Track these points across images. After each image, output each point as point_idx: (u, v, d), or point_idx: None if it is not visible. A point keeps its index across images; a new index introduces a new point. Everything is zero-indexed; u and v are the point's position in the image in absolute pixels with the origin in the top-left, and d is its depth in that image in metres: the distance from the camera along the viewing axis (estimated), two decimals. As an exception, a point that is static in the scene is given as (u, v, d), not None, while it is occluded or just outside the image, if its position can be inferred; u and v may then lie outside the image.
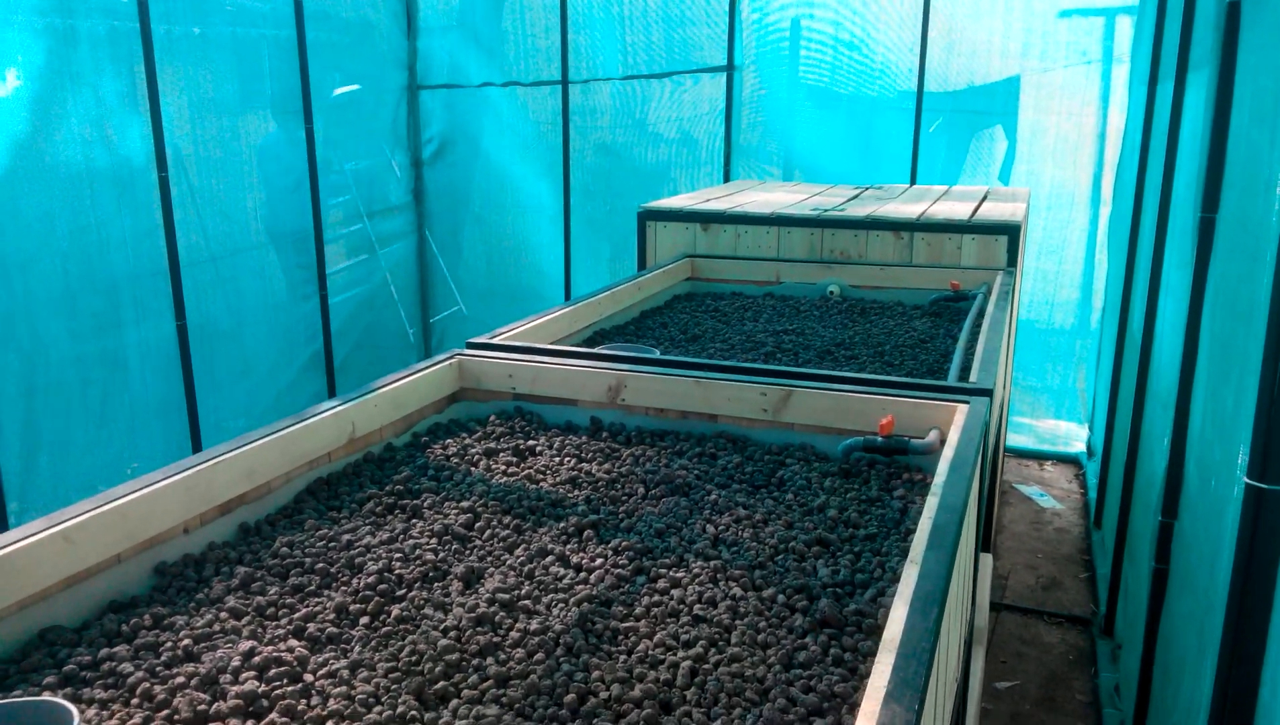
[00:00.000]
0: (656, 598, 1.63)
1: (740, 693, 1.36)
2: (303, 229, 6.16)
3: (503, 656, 1.46)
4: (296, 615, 1.56)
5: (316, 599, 1.62)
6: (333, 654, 1.47)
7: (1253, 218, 1.89)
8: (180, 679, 1.38)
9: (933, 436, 2.11)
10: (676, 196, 4.88)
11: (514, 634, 1.51)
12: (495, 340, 2.74)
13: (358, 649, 1.48)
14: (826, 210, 4.24)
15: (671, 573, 1.71)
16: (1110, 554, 4.09)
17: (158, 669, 1.42)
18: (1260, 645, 1.54)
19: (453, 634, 1.51)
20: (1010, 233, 3.87)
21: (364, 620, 1.56)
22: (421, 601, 1.61)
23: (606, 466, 2.18)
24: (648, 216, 4.39)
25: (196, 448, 5.40)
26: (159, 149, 5.03)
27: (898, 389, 2.25)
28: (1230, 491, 1.91)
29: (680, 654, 1.46)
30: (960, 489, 1.68)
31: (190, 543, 1.79)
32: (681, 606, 1.60)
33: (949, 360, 3.06)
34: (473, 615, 1.55)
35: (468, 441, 2.33)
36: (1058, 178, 6.33)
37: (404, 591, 1.65)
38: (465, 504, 1.96)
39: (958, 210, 4.26)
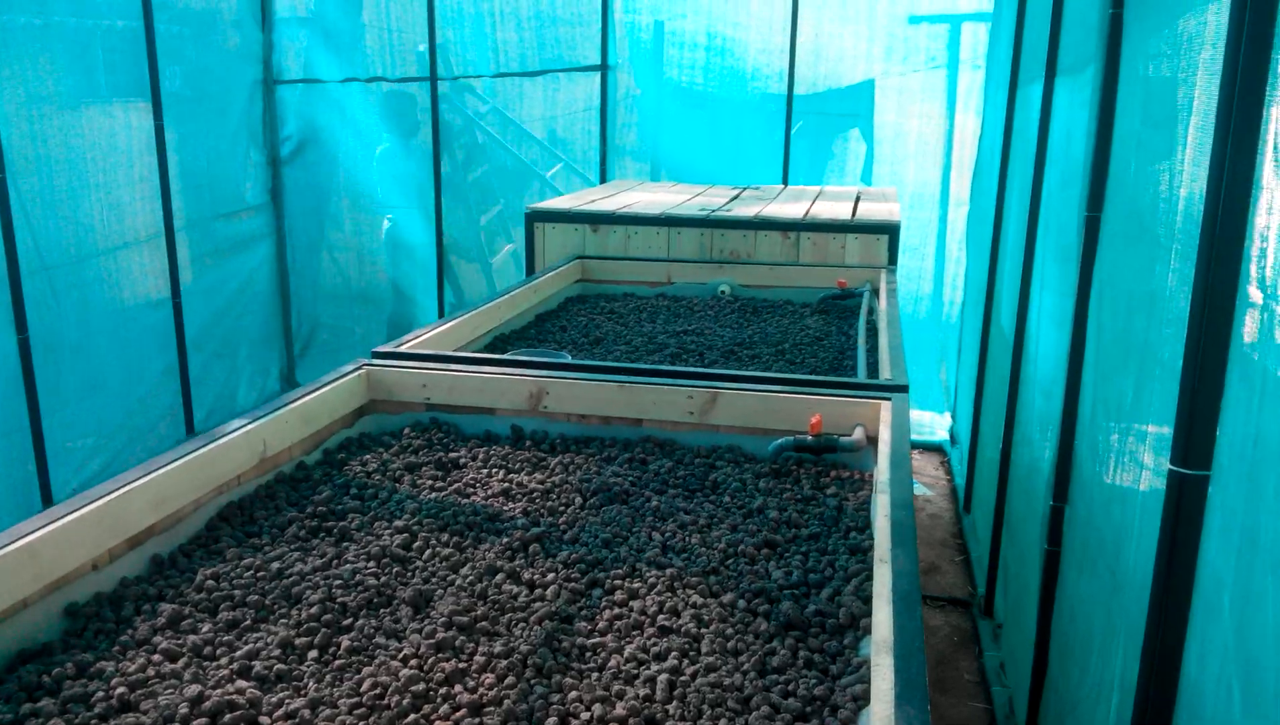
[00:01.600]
0: (617, 610, 1.60)
1: (722, 703, 1.35)
2: (151, 231, 5.78)
3: (471, 683, 1.40)
4: (238, 653, 1.45)
5: (256, 634, 1.52)
6: (286, 693, 1.38)
7: (1152, 215, 2.01)
8: (121, 733, 1.26)
9: (859, 434, 2.16)
10: (560, 197, 4.84)
11: (479, 658, 1.45)
12: (402, 348, 2.64)
13: (313, 686, 1.39)
14: (714, 211, 4.30)
15: (627, 583, 1.68)
16: (985, 537, 4.30)
17: (92, 723, 1.29)
18: (1183, 624, 1.64)
19: (413, 663, 1.44)
20: (891, 232, 4.02)
21: (312, 654, 1.47)
22: (372, 630, 1.53)
23: (538, 476, 2.13)
24: (536, 217, 4.33)
25: (42, 472, 4.99)
26: (-8, 147, 4.61)
27: (820, 388, 2.29)
28: (1135, 476, 2.03)
29: (654, 667, 1.44)
30: (905, 485, 1.73)
31: (101, 580, 1.64)
32: (644, 618, 1.58)
33: (847, 356, 3.15)
34: (432, 642, 1.48)
35: (385, 456, 2.23)
36: (914, 178, 6.62)
37: (350, 620, 1.56)
38: (399, 523, 1.88)
39: (837, 210, 4.39)
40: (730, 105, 6.36)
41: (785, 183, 6.20)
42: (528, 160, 6.75)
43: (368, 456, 2.23)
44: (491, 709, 1.34)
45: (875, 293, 3.79)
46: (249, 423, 2.05)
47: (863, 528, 1.88)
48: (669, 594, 1.65)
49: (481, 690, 1.38)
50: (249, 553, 1.78)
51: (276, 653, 1.46)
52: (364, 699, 1.35)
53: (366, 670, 1.42)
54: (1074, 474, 2.61)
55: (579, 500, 2.01)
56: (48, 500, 5.01)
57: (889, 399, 2.21)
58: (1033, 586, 2.91)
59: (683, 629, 1.54)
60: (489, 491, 2.05)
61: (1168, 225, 1.89)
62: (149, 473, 1.76)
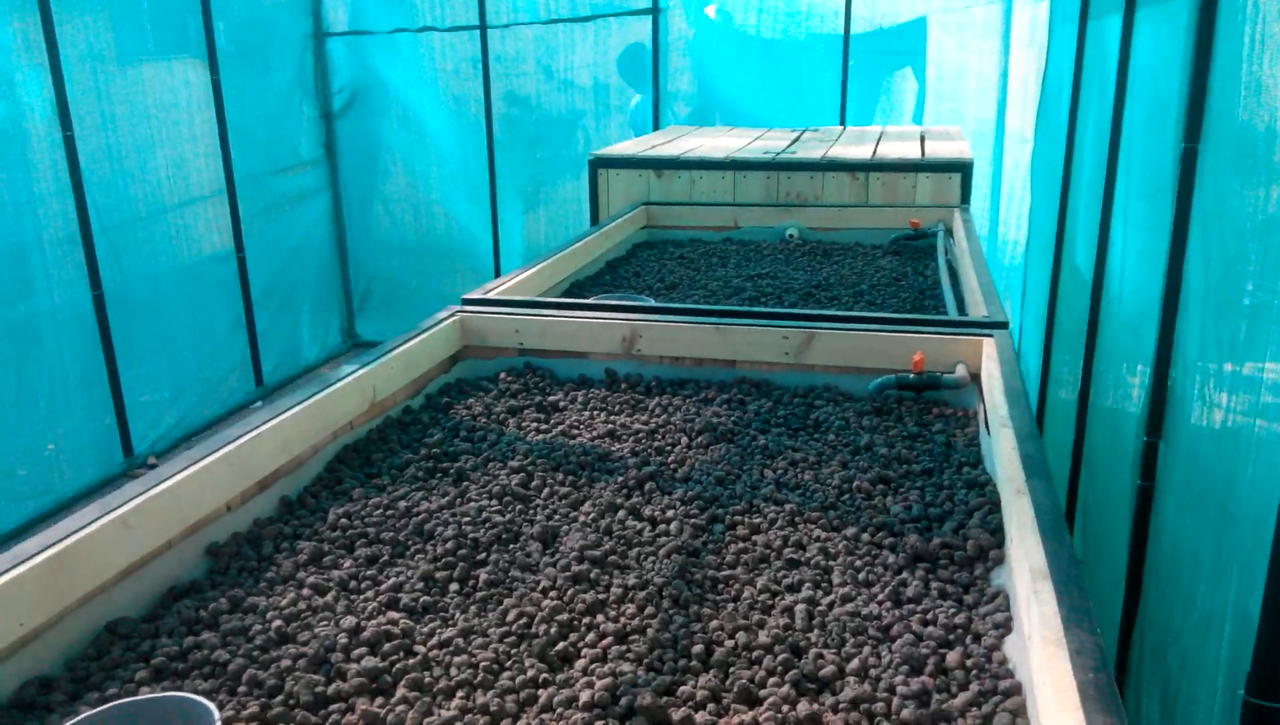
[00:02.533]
0: (741, 544, 1.62)
1: (863, 631, 1.37)
2: (214, 187, 5.84)
3: (611, 613, 1.43)
4: (383, 587, 1.49)
5: (396, 569, 1.56)
6: (436, 623, 1.42)
7: (1268, 144, 1.97)
8: (286, 662, 1.31)
9: (961, 371, 2.15)
10: (620, 143, 4.81)
11: (615, 590, 1.48)
12: (491, 295, 2.66)
13: (460, 616, 1.43)
14: (778, 153, 4.25)
15: (747, 519, 1.70)
16: (1059, 476, 4.28)
17: (255, 654, 1.34)
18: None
19: (553, 594, 1.47)
20: (964, 170, 3.96)
21: (454, 587, 1.51)
22: (506, 564, 1.57)
23: (640, 417, 2.15)
24: (599, 164, 4.31)
25: (122, 426, 5.12)
26: (61, 105, 4.67)
27: (918, 326, 2.28)
28: (1248, 411, 2.01)
29: (789, 597, 1.46)
30: (1027, 418, 1.72)
31: (236, 521, 1.69)
32: (769, 551, 1.60)
33: (927, 296, 3.12)
34: (568, 574, 1.51)
35: (486, 400, 2.26)
36: (971, 115, 6.49)
37: (484, 555, 1.60)
38: (513, 464, 1.91)
39: (905, 150, 4.32)
40: (784, 45, 6.26)
41: (843, 124, 6.11)
42: (580, 108, 6.71)
43: (470, 400, 2.26)
44: (636, 637, 1.37)
45: (949, 232, 3.75)
46: (359, 369, 2.09)
47: (975, 463, 1.88)
48: (790, 528, 1.67)
49: (624, 620, 1.41)
50: (373, 492, 1.82)
51: (420, 585, 1.50)
52: (512, 628, 1.39)
53: (509, 602, 1.46)
54: (1172, 410, 2.58)
55: (684, 440, 2.03)
56: (129, 451, 5.15)
57: (990, 336, 2.19)
58: (1121, 523, 2.90)
59: (811, 561, 1.56)
60: (594, 433, 2.07)
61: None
62: (273, 418, 1.81)
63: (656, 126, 6.24)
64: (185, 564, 1.57)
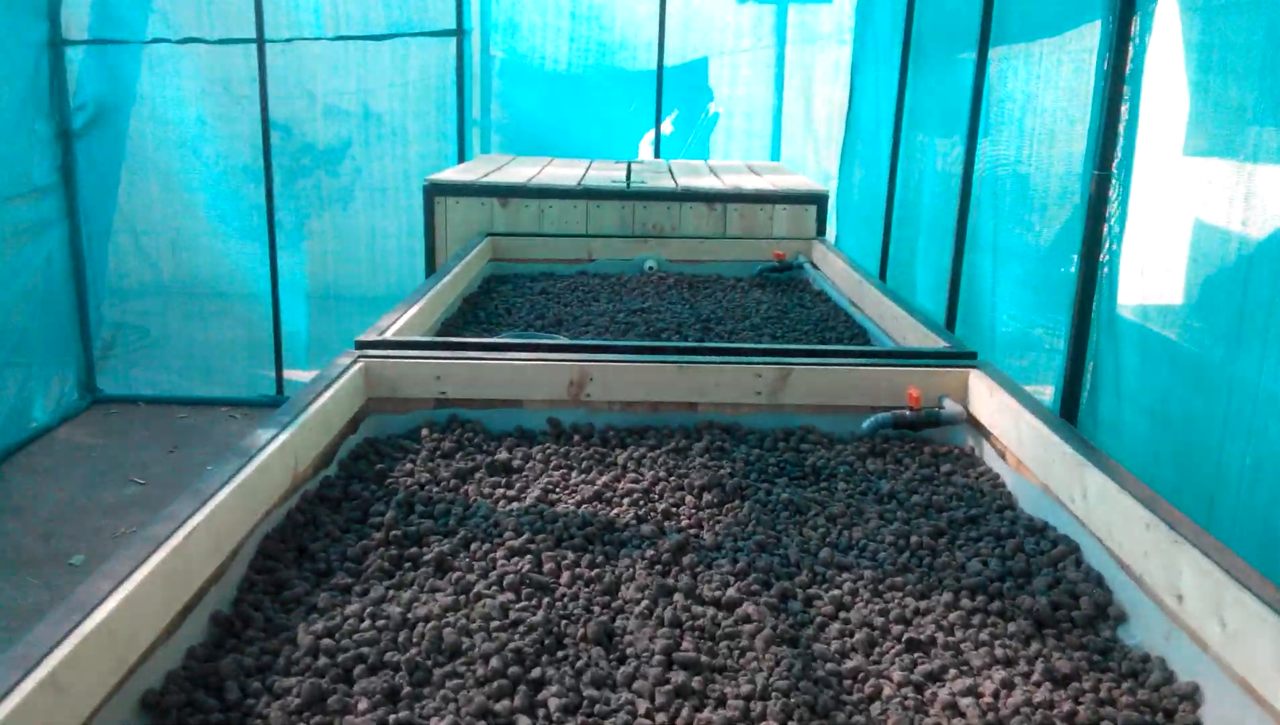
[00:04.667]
0: (838, 626, 1.36)
1: (1051, 723, 1.15)
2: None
3: (745, 735, 1.13)
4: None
5: (431, 704, 1.16)
6: (530, 781, 1.05)
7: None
8: None
9: (953, 405, 2.01)
10: (451, 170, 4.42)
11: (734, 704, 1.17)
12: (388, 336, 2.24)
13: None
14: (630, 183, 4.05)
15: (823, 592, 1.44)
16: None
17: None
18: None
19: (661, 719, 1.14)
20: (819, 202, 3.93)
21: (524, 722, 1.14)
22: (572, 680, 1.21)
23: (619, 475, 1.83)
24: (437, 191, 3.91)
25: None
26: None
27: (895, 360, 2.13)
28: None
29: (941, 690, 1.22)
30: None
31: (168, 657, 1.21)
32: (875, 632, 1.35)
33: (830, 328, 2.99)
34: (666, 689, 1.18)
35: (421, 465, 1.85)
36: (756, 150, 6.64)
37: (539, 672, 1.23)
38: (512, 544, 1.53)
39: (745, 182, 4.26)
40: (592, 77, 6.10)
41: (658, 155, 6.02)
42: (352, 137, 6.21)
43: (401, 466, 1.84)
44: (797, 767, 1.07)
45: (814, 265, 3.70)
46: (276, 432, 1.63)
47: (1012, 505, 1.74)
48: (877, 598, 1.43)
49: (767, 744, 1.11)
50: (339, 596, 1.39)
51: (481, 727, 1.12)
52: (640, 775, 1.05)
53: (607, 736, 1.11)
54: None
55: (689, 499, 1.74)
56: None
57: (974, 366, 2.07)
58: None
59: (935, 639, 1.32)
60: (579, 496, 1.73)
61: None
62: (202, 504, 1.34)
63: (462, 155, 5.85)
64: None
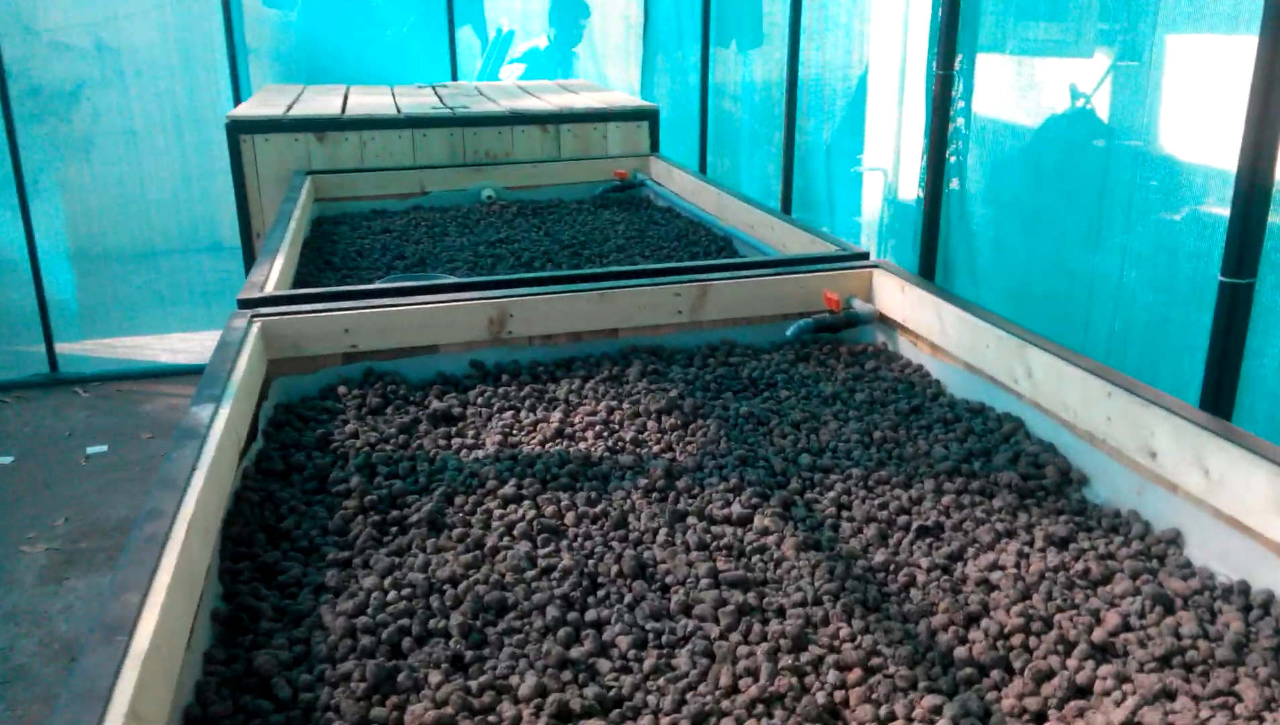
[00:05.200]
0: (847, 525, 1.42)
1: (1073, 585, 1.26)
2: None
3: (825, 641, 1.16)
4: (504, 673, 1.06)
5: (497, 662, 1.11)
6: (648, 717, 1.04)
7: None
8: None
9: (866, 305, 2.11)
10: (244, 104, 4.04)
11: (793, 614, 1.20)
12: (274, 292, 2.06)
13: (685, 696, 1.06)
14: (457, 108, 3.87)
15: (820, 495, 1.49)
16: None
17: None
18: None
19: (737, 640, 1.16)
20: (651, 117, 3.92)
21: (618, 664, 1.12)
22: (640, 619, 1.20)
23: (569, 410, 1.79)
24: (240, 128, 3.57)
25: None
26: None
27: (800, 266, 2.19)
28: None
29: (970, 569, 1.30)
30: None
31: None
32: (882, 524, 1.41)
33: (689, 243, 3.03)
34: (728, 610, 1.20)
35: (357, 425, 1.74)
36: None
37: (598, 612, 1.21)
38: (506, 492, 1.48)
39: (574, 101, 4.17)
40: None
41: (454, 78, 5.77)
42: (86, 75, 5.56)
43: (336, 429, 1.72)
44: (886, 654, 1.12)
45: (654, 181, 3.71)
46: (215, 408, 1.47)
47: (944, 391, 1.86)
48: (870, 494, 1.50)
49: (854, 645, 1.15)
50: (341, 571, 1.29)
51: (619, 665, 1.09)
52: (769, 688, 1.06)
53: (714, 665, 1.11)
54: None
55: (652, 424, 1.74)
56: None
57: (877, 266, 2.17)
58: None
59: (941, 523, 1.40)
60: (541, 436, 1.69)
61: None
62: (183, 494, 1.20)
63: (237, 88, 5.36)
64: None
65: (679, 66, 5.37)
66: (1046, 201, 2.66)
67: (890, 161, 4.58)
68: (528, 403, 1.84)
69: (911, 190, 4.32)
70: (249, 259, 3.71)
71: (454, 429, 1.74)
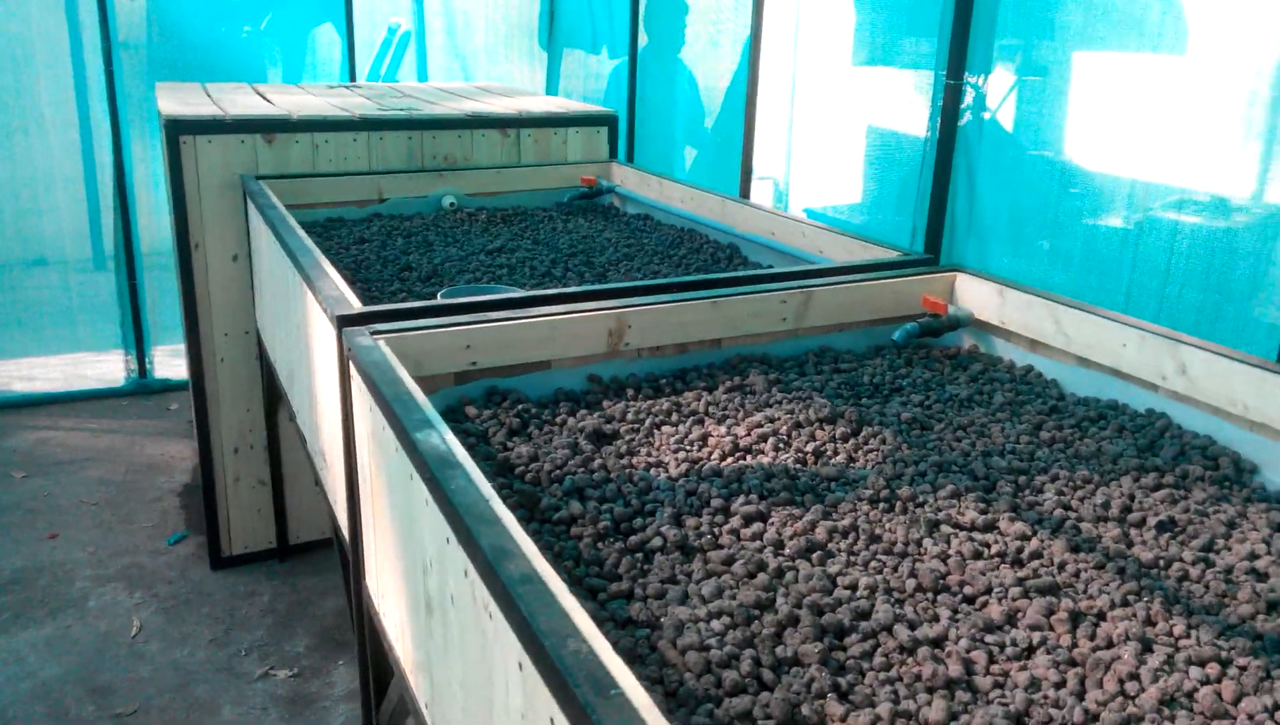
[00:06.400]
0: (1091, 526, 1.44)
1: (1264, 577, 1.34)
2: None
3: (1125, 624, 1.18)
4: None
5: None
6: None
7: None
8: None
9: (963, 308, 2.16)
10: (169, 103, 3.67)
11: (1092, 608, 1.21)
12: (359, 307, 1.88)
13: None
14: (409, 109, 3.66)
15: (1047, 498, 1.51)
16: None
17: None
18: None
19: (1047, 632, 1.16)
20: (610, 123, 3.86)
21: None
22: (963, 629, 1.18)
23: (747, 421, 1.73)
24: (180, 129, 3.24)
25: None
26: None
27: (889, 272, 2.22)
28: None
29: (1231, 558, 1.35)
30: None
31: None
32: (1135, 529, 1.45)
33: (694, 251, 3.00)
34: (1059, 617, 1.19)
35: (530, 444, 1.61)
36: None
37: (928, 628, 1.17)
38: (748, 510, 1.41)
39: (531, 105, 4.04)
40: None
41: (353, 79, 5.47)
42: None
43: (498, 451, 1.59)
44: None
45: (621, 187, 3.65)
46: (432, 432, 1.33)
47: (1062, 391, 1.93)
48: (1093, 493, 1.53)
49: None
50: (646, 609, 1.20)
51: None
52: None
53: (1086, 669, 1.10)
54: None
55: (819, 434, 1.70)
56: None
57: (959, 271, 2.22)
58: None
59: (1171, 518, 1.45)
60: (719, 450, 1.62)
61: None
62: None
63: (112, 83, 4.85)
64: None
65: (594, 71, 5.32)
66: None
67: (781, 171, 4.72)
68: (672, 417, 1.77)
69: (804, 199, 4.47)
70: (186, 271, 3.37)
71: (614, 447, 1.64)
